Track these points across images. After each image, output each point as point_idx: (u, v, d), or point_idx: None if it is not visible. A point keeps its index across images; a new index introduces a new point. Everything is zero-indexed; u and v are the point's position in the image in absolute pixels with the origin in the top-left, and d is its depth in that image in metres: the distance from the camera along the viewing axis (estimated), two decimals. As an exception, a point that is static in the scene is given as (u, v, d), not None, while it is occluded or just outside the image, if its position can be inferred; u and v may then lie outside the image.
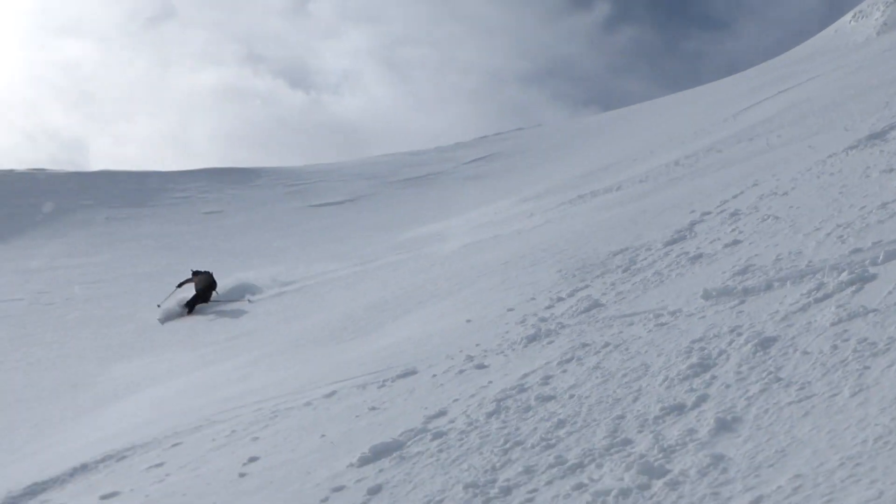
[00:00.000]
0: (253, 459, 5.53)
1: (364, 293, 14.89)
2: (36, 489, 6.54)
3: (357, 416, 5.96)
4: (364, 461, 4.69)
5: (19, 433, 10.76)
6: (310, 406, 6.73)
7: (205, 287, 18.74)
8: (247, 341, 13.48)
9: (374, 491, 4.22)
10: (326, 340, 10.86)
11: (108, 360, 14.99)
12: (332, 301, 15.55)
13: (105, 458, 6.83)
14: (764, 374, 4.04)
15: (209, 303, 18.78)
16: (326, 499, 4.32)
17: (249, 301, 18.32)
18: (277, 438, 6.00)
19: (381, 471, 4.48)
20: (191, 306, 18.32)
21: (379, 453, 4.74)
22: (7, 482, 7.04)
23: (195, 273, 19.20)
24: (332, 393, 6.95)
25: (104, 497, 5.76)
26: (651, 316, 5.72)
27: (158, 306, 18.28)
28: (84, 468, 6.72)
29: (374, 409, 6.02)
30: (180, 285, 19.03)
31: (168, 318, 17.93)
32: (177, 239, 34.55)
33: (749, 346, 4.45)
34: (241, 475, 5.27)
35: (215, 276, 19.33)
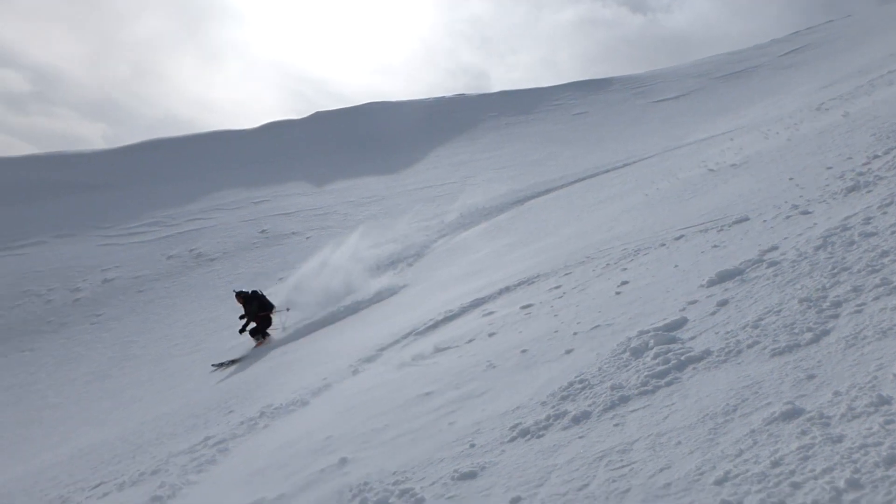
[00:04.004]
0: (624, 283, 5.94)
1: (697, 165, 14.38)
2: (477, 302, 7.78)
3: (702, 252, 5.96)
4: (711, 283, 4.77)
5: (461, 269, 12.52)
6: (664, 246, 6.92)
7: (262, 315, 14.05)
8: (611, 202, 13.90)
9: (722, 304, 4.28)
10: (672, 199, 10.82)
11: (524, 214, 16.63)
12: (674, 171, 15.28)
13: (520, 283, 7.82)
14: None
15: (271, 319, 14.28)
16: (685, 308, 4.50)
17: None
18: (641, 269, 6.29)
19: (726, 290, 4.53)
20: (261, 334, 13.93)
21: (723, 277, 4.77)
22: (459, 299, 8.43)
23: (238, 294, 14.14)
24: (681, 236, 7.03)
25: (523, 307, 6.69)
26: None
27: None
28: (507, 289, 7.79)
29: (715, 246, 5.97)
30: (242, 331, 14.03)
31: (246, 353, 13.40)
32: (554, 135, 36.73)
33: None
34: (617, 293, 5.69)
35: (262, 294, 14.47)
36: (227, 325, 17.24)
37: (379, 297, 13.86)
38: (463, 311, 7.72)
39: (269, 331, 14.01)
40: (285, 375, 9.39)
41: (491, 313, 7.03)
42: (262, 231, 27.01)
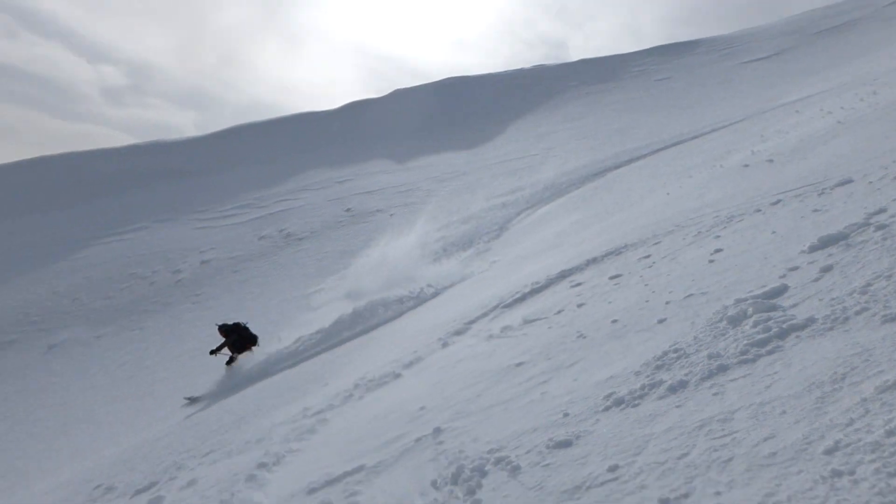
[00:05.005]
0: (717, 251, 5.74)
1: (796, 126, 13.70)
2: (564, 274, 7.71)
3: (802, 217, 5.70)
4: (813, 248, 4.55)
5: (546, 241, 12.37)
6: (759, 212, 6.64)
7: (239, 347, 13.60)
8: (699, 169, 13.46)
9: (826, 270, 4.07)
10: (766, 163, 10.38)
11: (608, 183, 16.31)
12: (767, 135, 14.60)
13: (607, 254, 7.70)
14: None
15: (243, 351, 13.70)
16: (785, 275, 4.32)
17: (235, 359, 13.57)
18: (735, 236, 6.07)
19: (829, 255, 4.31)
20: (230, 359, 13.65)
21: (826, 242, 4.54)
22: (545, 271, 8.38)
23: (221, 327, 13.71)
24: (777, 201, 6.76)
25: (612, 277, 6.59)
26: None
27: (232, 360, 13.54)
28: (594, 260, 7.69)
29: (816, 210, 5.70)
30: (229, 363, 13.67)
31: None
32: (637, 102, 35.78)
33: None
34: (710, 261, 5.51)
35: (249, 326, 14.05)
36: (317, 303, 17.80)
37: (451, 282, 13.83)
38: (550, 282, 7.67)
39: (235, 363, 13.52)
40: (376, 350, 9.65)
41: (579, 284, 6.97)
42: (348, 210, 27.62)
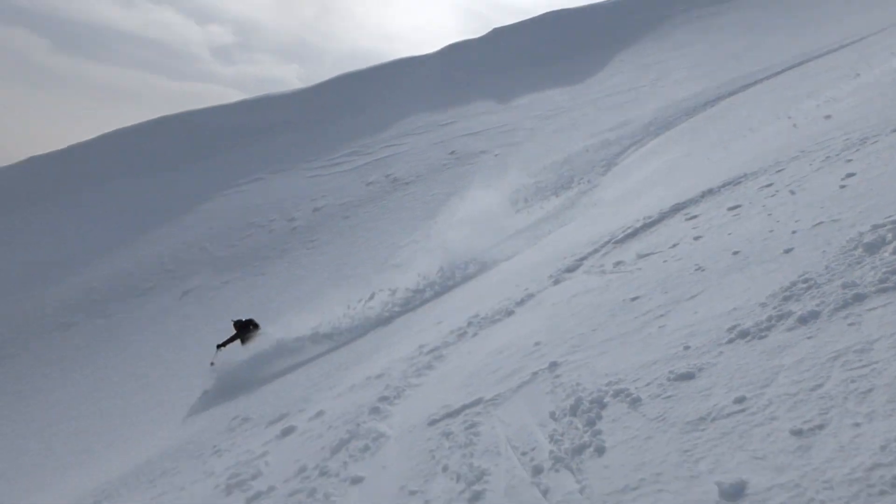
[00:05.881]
0: (850, 175, 5.33)
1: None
2: (678, 207, 7.42)
3: (949, 135, 5.26)
4: (964, 168, 4.21)
5: (657, 175, 11.91)
6: (897, 131, 6.13)
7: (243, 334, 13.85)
8: (825, 90, 12.47)
9: (978, 189, 3.79)
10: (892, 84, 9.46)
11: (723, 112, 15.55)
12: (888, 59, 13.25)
13: (724, 185, 7.32)
14: None
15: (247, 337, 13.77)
16: (929, 198, 4.04)
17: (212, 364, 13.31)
18: (870, 159, 5.59)
19: (983, 174, 3.99)
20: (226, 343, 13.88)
21: (980, 160, 4.20)
22: (657, 204, 8.09)
23: (236, 322, 14.14)
24: (919, 119, 6.22)
25: (730, 208, 6.27)
26: None
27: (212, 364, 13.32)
28: (710, 191, 7.33)
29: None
30: (222, 346, 13.76)
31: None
32: (754, 21, 33.40)
33: None
34: (842, 186, 5.13)
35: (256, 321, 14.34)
36: (424, 249, 18.00)
37: (557, 224, 13.51)
38: (662, 216, 7.41)
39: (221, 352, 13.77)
40: (486, 290, 9.75)
41: (694, 217, 6.69)
42: (452, 152, 27.65)
